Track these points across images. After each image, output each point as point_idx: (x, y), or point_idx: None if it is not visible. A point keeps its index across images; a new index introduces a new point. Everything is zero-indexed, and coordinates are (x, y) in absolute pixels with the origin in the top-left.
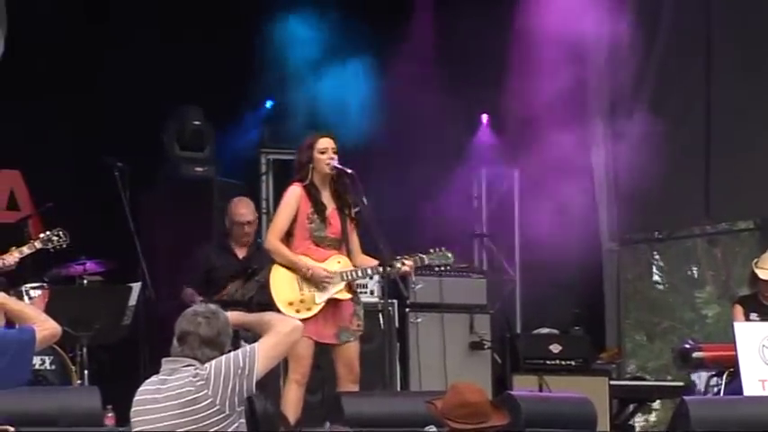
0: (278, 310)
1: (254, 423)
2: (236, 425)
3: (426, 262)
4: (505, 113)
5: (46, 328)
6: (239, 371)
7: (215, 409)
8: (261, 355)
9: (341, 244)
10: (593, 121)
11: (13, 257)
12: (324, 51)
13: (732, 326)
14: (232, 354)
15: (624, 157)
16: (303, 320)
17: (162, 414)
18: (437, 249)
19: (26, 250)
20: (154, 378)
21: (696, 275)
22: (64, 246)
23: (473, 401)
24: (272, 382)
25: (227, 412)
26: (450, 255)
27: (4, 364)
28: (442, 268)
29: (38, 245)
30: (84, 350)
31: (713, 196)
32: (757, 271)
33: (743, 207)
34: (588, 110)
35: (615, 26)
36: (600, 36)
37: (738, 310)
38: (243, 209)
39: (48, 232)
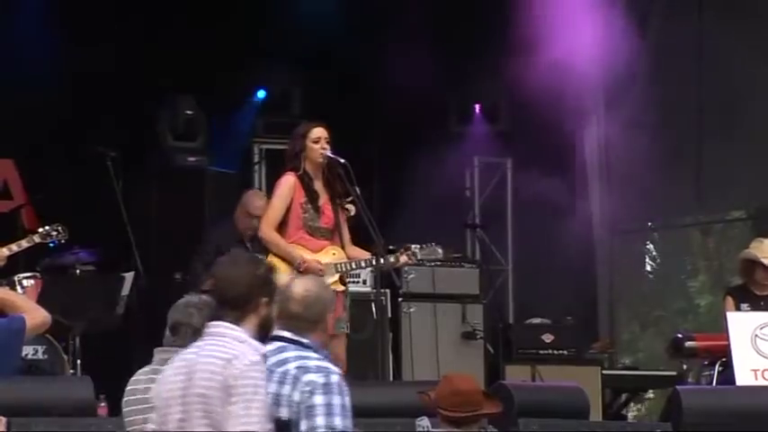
0: None
1: None
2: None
3: (419, 257)
4: (499, 103)
5: (35, 316)
6: None
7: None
8: None
9: (333, 234)
10: (585, 111)
11: (9, 250)
12: (317, 36)
13: (724, 316)
14: None
15: (617, 147)
16: None
17: None
18: (427, 245)
19: (24, 244)
20: (146, 368)
21: (689, 265)
22: (62, 241)
23: (464, 390)
24: None
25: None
26: (439, 250)
27: None
28: (432, 264)
29: (36, 239)
30: (77, 339)
31: (706, 186)
32: (764, 260)
33: (736, 196)
34: (581, 100)
35: (608, 15)
36: (593, 25)
37: (729, 301)
38: (258, 201)
39: (47, 227)
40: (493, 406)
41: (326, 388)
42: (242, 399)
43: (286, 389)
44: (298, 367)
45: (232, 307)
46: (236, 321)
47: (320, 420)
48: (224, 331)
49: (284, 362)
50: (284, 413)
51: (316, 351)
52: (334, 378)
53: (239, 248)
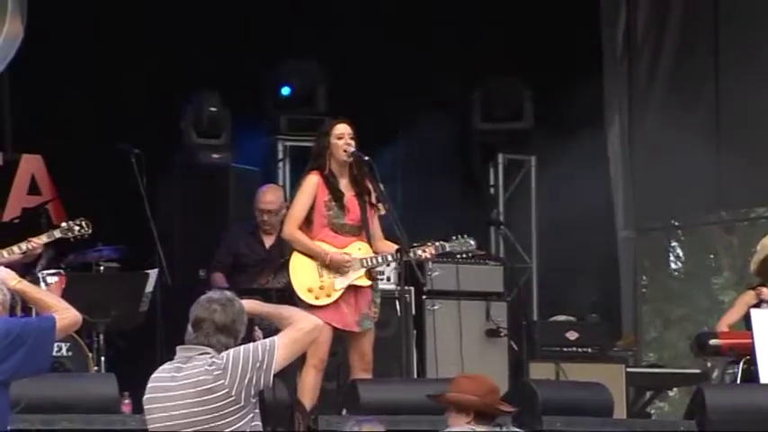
0: (297, 297)
1: (264, 413)
2: (251, 416)
3: (447, 249)
4: (523, 100)
5: (66, 316)
6: (258, 364)
7: (230, 399)
8: (280, 350)
9: (361, 230)
10: (609, 109)
11: (31, 245)
12: (341, 33)
13: (749, 313)
14: (251, 345)
15: (640, 144)
16: (323, 307)
17: (177, 402)
18: (459, 236)
19: (45, 238)
20: (167, 365)
21: (713, 263)
22: (86, 236)
23: (481, 388)
24: (289, 367)
25: (242, 403)
26: (472, 242)
27: (24, 352)
28: (464, 255)
29: (57, 234)
30: (101, 337)
31: (729, 184)
32: None
33: (759, 194)
34: (604, 98)
35: (630, 17)
36: (615, 26)
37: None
38: (269, 196)
39: (70, 222)
40: (507, 406)
41: None
42: None
43: None
44: None
45: None
46: None
47: None
48: None
49: None
50: None
51: None
52: None
53: (255, 244)
